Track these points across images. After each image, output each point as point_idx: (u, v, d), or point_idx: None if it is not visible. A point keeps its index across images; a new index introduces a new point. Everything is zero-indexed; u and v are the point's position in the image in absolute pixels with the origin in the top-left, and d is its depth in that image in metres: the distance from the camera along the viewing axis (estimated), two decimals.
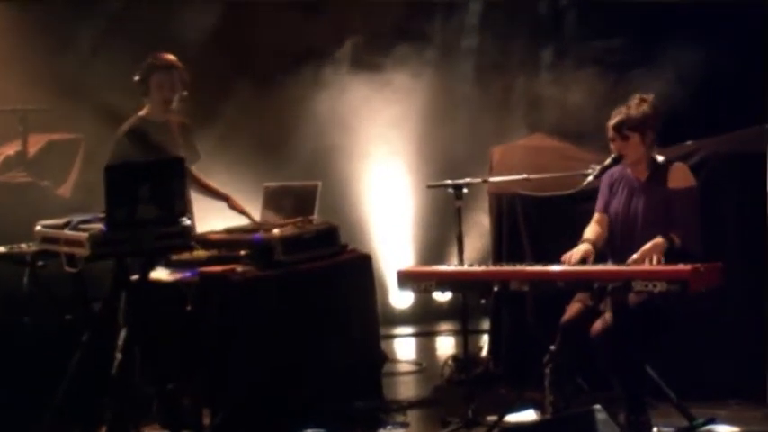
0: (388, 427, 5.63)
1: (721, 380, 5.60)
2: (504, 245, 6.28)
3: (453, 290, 5.89)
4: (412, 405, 6.06)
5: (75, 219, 4.81)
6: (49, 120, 7.17)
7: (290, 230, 5.65)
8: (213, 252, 5.51)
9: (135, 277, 4.90)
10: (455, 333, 8.06)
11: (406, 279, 5.23)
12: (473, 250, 7.53)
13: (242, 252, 5.50)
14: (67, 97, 7.38)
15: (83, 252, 4.65)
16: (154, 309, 5.00)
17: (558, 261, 5.02)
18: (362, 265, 5.96)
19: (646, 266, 4.77)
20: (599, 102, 6.94)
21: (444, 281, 5.20)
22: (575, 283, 4.92)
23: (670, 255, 4.85)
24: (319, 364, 5.56)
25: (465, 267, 5.32)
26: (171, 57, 5.80)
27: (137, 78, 5.78)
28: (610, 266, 4.96)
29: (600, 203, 5.26)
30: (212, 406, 5.30)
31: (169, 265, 5.38)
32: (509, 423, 5.35)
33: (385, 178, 8.51)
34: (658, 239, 4.88)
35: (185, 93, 5.84)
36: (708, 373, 5.60)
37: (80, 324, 5.12)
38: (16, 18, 7.48)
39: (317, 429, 5.36)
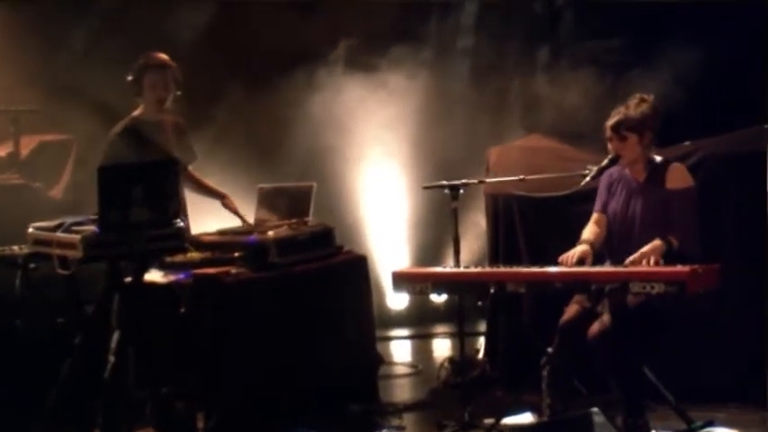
0: (384, 430, 5.64)
1: (720, 382, 5.60)
2: (501, 246, 6.29)
3: (449, 292, 5.88)
4: (408, 408, 6.05)
5: (68, 221, 4.81)
6: (40, 120, 7.16)
7: (284, 232, 5.65)
8: (207, 254, 5.50)
9: (128, 279, 4.89)
10: (451, 335, 8.07)
11: (401, 281, 5.22)
12: (469, 252, 7.54)
13: (236, 254, 5.50)
14: (59, 98, 7.37)
15: (75, 254, 4.64)
16: (147, 311, 4.99)
17: (555, 262, 5.02)
18: (358, 267, 5.96)
19: (643, 268, 4.76)
20: (596, 102, 6.94)
21: (440, 282, 5.20)
22: (572, 284, 4.92)
23: (668, 257, 4.85)
24: (314, 366, 5.56)
25: (461, 269, 5.31)
26: (164, 56, 5.79)
27: (130, 78, 5.77)
28: (607, 268, 4.97)
29: (598, 204, 5.26)
30: (206, 409, 5.29)
31: (163, 267, 5.37)
32: (506, 426, 5.35)
33: (380, 179, 8.51)
34: (656, 242, 4.88)
35: (179, 92, 5.83)
36: (706, 375, 5.60)
37: (73, 327, 5.11)
38: (7, 18, 7.47)
39: None
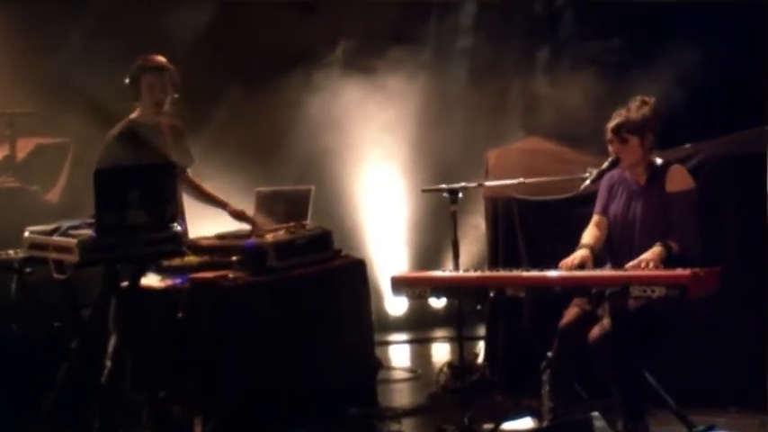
0: None
1: (721, 386, 5.60)
2: (501, 250, 6.29)
3: (448, 296, 5.89)
4: (407, 413, 6.06)
5: (64, 224, 4.82)
6: (37, 123, 7.17)
7: (282, 236, 5.67)
8: (204, 258, 5.52)
9: (125, 284, 4.90)
10: (450, 340, 8.07)
11: (400, 285, 5.23)
12: (468, 255, 7.54)
13: (234, 258, 5.51)
14: (55, 100, 7.37)
15: (72, 258, 4.65)
16: (144, 316, 5.01)
17: (555, 266, 5.03)
18: (356, 271, 5.97)
19: (644, 271, 4.77)
20: (596, 104, 6.95)
21: (439, 287, 5.21)
22: (572, 288, 4.93)
23: (668, 261, 4.86)
24: (312, 371, 5.57)
25: (460, 273, 5.32)
26: (161, 58, 5.80)
27: (127, 80, 5.78)
28: (608, 271, 4.98)
29: (599, 205, 5.27)
30: (204, 413, 5.30)
31: (160, 271, 5.38)
32: (506, 431, 5.35)
33: (379, 182, 8.52)
34: (656, 248, 4.88)
35: (176, 95, 5.84)
36: (707, 379, 5.61)
37: (69, 331, 5.13)
38: (1, 18, 7.47)
39: None
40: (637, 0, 7.62)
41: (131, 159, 5.54)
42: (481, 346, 6.74)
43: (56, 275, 4.80)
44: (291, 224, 5.80)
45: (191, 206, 6.03)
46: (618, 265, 5.00)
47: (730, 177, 5.73)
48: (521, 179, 5.72)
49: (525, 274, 5.03)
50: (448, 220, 5.60)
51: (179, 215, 5.16)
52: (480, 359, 6.56)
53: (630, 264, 4.86)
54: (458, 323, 5.79)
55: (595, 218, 5.26)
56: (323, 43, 8.35)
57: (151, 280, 5.31)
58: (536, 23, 8.37)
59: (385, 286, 7.18)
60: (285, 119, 8.28)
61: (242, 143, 8.07)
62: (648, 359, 5.03)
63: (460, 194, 5.58)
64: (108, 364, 4.76)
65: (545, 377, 5.08)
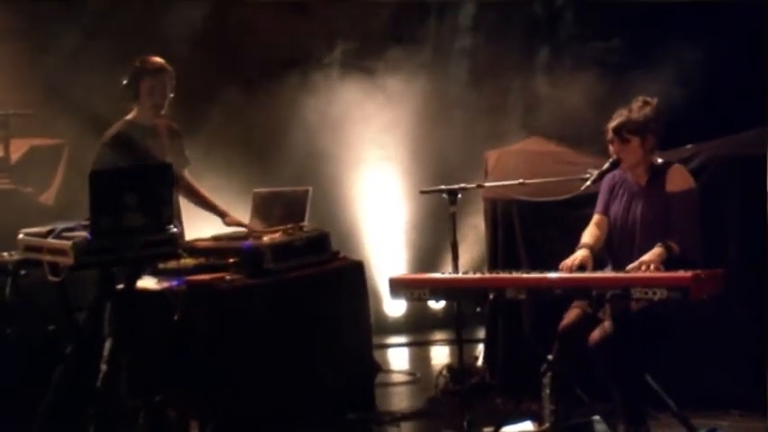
0: None
1: (723, 389, 5.60)
2: (500, 251, 6.29)
3: (448, 298, 5.88)
4: (405, 417, 6.06)
5: (59, 226, 4.80)
6: (31, 124, 7.16)
7: (279, 237, 5.66)
8: (201, 260, 5.51)
9: (120, 286, 4.89)
10: (450, 342, 8.08)
11: (398, 287, 5.22)
12: (468, 257, 7.54)
13: (230, 260, 5.50)
14: (50, 101, 7.37)
15: (67, 261, 4.64)
16: (140, 319, 5.00)
17: (555, 268, 5.02)
18: (354, 273, 5.96)
19: (645, 273, 4.77)
20: (596, 104, 6.95)
21: (438, 289, 5.20)
22: (572, 290, 4.92)
23: (669, 262, 4.85)
24: (310, 374, 5.56)
25: (460, 275, 5.31)
26: (160, 60, 5.79)
27: (125, 83, 5.76)
28: (608, 273, 4.97)
29: (600, 205, 5.26)
30: (200, 418, 5.29)
31: (156, 273, 5.38)
32: None
33: (378, 184, 8.52)
34: (656, 249, 4.87)
35: (172, 95, 5.83)
36: (709, 382, 5.60)
37: (64, 335, 5.12)
38: None
39: None
40: (636, 0, 7.62)
41: (127, 161, 5.54)
42: (481, 349, 6.73)
43: (50, 278, 4.79)
44: (289, 226, 5.79)
45: (187, 208, 6.02)
46: (619, 266, 5.00)
47: (732, 178, 5.73)
48: (520, 180, 5.71)
49: (525, 275, 5.02)
50: (447, 222, 5.58)
51: (175, 217, 5.15)
52: (480, 362, 6.55)
53: (631, 265, 4.86)
54: (457, 326, 5.79)
55: (596, 217, 5.25)
56: (321, 44, 8.36)
57: (147, 282, 5.30)
58: (536, 23, 8.37)
59: (383, 288, 7.18)
60: (283, 120, 8.28)
61: (239, 144, 8.07)
62: (650, 362, 5.02)
63: (460, 195, 5.57)
64: (103, 367, 4.77)
65: (545, 380, 5.08)
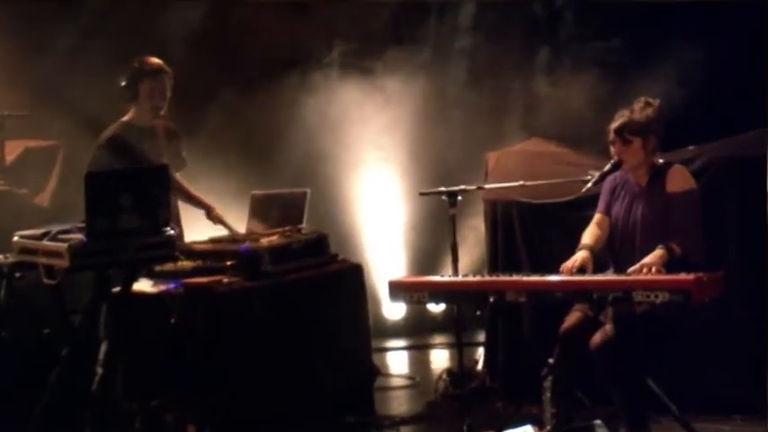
0: None
1: (725, 393, 5.59)
2: (500, 254, 6.28)
3: (447, 301, 5.86)
4: (405, 421, 6.05)
5: (54, 229, 4.80)
6: (26, 126, 7.16)
7: (277, 240, 5.65)
8: (198, 262, 5.50)
9: (116, 289, 4.89)
10: (449, 346, 8.07)
11: (398, 290, 5.22)
12: (468, 259, 7.53)
13: (228, 262, 5.49)
14: (45, 102, 7.36)
15: (62, 263, 4.64)
16: (136, 322, 4.99)
17: (556, 270, 5.02)
18: (353, 276, 5.95)
19: (647, 276, 4.76)
20: (597, 105, 6.95)
21: (438, 292, 5.19)
22: (573, 293, 4.92)
23: (671, 264, 4.85)
24: (308, 378, 5.55)
25: (459, 277, 5.31)
26: (159, 61, 5.78)
27: (123, 84, 5.74)
28: (610, 276, 4.96)
29: (601, 205, 5.25)
30: (197, 422, 5.28)
31: (152, 276, 5.37)
32: None
33: (376, 185, 8.52)
34: (658, 251, 4.86)
35: (169, 95, 5.83)
36: (711, 386, 5.59)
37: (59, 338, 5.11)
38: None
39: None
40: (636, 0, 7.62)
41: (123, 163, 5.53)
42: (481, 353, 6.72)
43: (46, 281, 4.79)
44: (287, 228, 5.78)
45: (186, 210, 6.02)
46: (620, 268, 4.99)
47: (734, 180, 5.73)
48: (521, 182, 5.71)
49: (526, 278, 5.02)
50: (446, 224, 5.58)
51: (173, 219, 5.15)
52: (480, 366, 6.54)
53: (633, 268, 4.85)
54: (457, 329, 5.78)
55: (597, 216, 5.24)
56: (320, 44, 8.36)
57: (144, 285, 5.29)
58: (536, 24, 8.37)
59: (382, 291, 7.20)
60: (281, 121, 8.28)
61: (237, 145, 8.07)
62: (651, 365, 5.02)
63: (459, 197, 5.56)
64: (99, 371, 4.75)
65: (546, 384, 5.06)
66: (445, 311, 8.43)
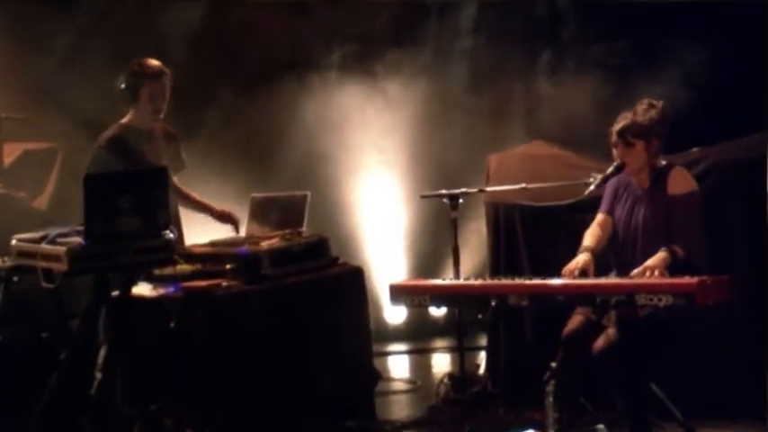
0: None
1: (729, 397, 5.59)
2: (502, 257, 6.28)
3: (449, 304, 5.88)
4: (406, 426, 6.05)
5: (53, 232, 4.81)
6: (24, 128, 7.16)
7: (277, 243, 5.65)
8: (198, 266, 5.50)
9: (115, 293, 4.89)
10: (451, 350, 8.06)
11: (399, 293, 5.22)
12: (469, 263, 7.54)
13: (228, 266, 5.50)
14: (43, 104, 7.36)
15: (61, 267, 4.64)
16: (135, 326, 5.00)
17: (558, 273, 5.02)
18: (354, 279, 5.96)
19: (650, 279, 4.76)
20: (599, 107, 6.95)
21: (439, 295, 5.20)
22: (576, 296, 4.92)
23: (674, 267, 4.85)
24: (309, 382, 5.56)
25: (461, 281, 5.31)
26: (158, 63, 5.78)
27: (123, 86, 5.75)
28: (613, 279, 4.97)
29: (604, 206, 5.25)
30: (197, 427, 5.28)
31: (151, 279, 5.37)
32: None
33: (377, 188, 8.52)
34: (661, 254, 4.87)
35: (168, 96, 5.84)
36: (716, 390, 5.59)
37: (58, 342, 5.11)
38: None
39: None
40: (639, 1, 7.62)
41: (123, 164, 5.54)
42: (483, 357, 6.72)
43: (44, 284, 4.79)
44: (287, 231, 5.78)
45: (186, 212, 6.02)
46: (623, 271, 4.99)
47: (737, 182, 5.73)
48: (523, 184, 5.71)
49: (528, 282, 5.02)
50: (448, 227, 5.59)
51: (173, 222, 5.15)
52: (482, 370, 6.53)
53: (635, 271, 4.85)
54: (458, 333, 5.78)
55: (600, 216, 5.24)
56: (320, 46, 8.36)
57: (143, 289, 5.29)
58: (538, 25, 8.37)
59: (383, 295, 7.19)
60: (282, 123, 8.28)
61: (237, 147, 8.07)
62: (655, 369, 5.02)
63: (461, 200, 5.57)
64: (98, 375, 4.75)
65: (549, 388, 5.06)
66: (447, 315, 8.43)
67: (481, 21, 8.46)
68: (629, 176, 5.20)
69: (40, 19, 7.69)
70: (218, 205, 6.11)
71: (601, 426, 5.03)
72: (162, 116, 5.81)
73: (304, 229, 5.84)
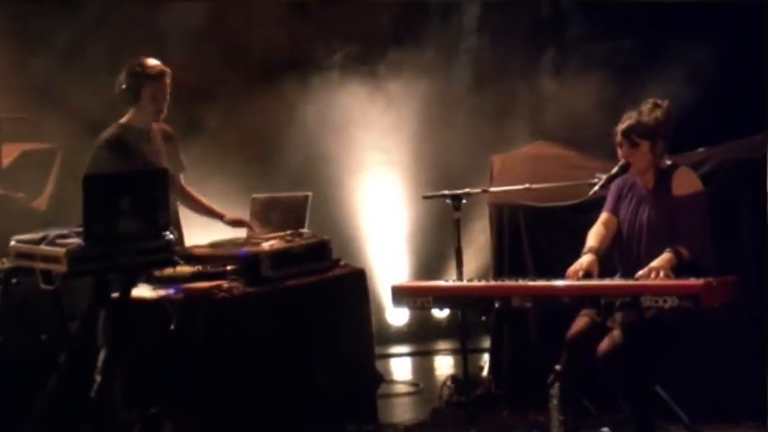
0: None
1: (735, 400, 5.58)
2: (506, 258, 6.28)
3: (452, 306, 5.88)
4: (408, 429, 6.05)
5: (52, 233, 4.80)
6: (23, 128, 7.16)
7: (278, 244, 5.65)
8: (198, 267, 5.50)
9: (115, 295, 4.88)
10: (454, 352, 8.05)
11: (401, 295, 5.22)
12: (473, 264, 7.53)
13: (228, 267, 5.49)
14: (42, 104, 7.37)
15: (60, 268, 4.64)
16: (135, 328, 4.99)
17: (562, 275, 5.02)
18: (356, 281, 5.95)
19: (655, 281, 4.75)
20: (604, 106, 6.95)
21: (442, 297, 5.20)
22: (580, 298, 4.91)
23: (679, 268, 4.84)
24: (310, 384, 5.55)
25: (464, 282, 5.31)
26: (159, 63, 5.78)
27: (124, 87, 5.74)
28: (617, 281, 4.96)
29: (609, 204, 5.25)
30: (197, 429, 5.28)
31: (151, 281, 5.37)
32: None
33: (379, 189, 8.52)
34: (666, 255, 4.86)
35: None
36: (721, 392, 5.58)
37: (57, 344, 5.11)
38: None
39: None
40: (642, 0, 7.62)
41: (123, 164, 5.53)
42: (486, 359, 6.71)
43: (43, 286, 4.78)
44: (288, 232, 5.78)
45: (185, 213, 6.02)
46: (627, 272, 4.99)
47: (743, 183, 5.72)
48: (527, 185, 5.71)
49: (531, 283, 5.02)
50: (451, 228, 5.58)
51: (173, 223, 5.15)
52: (485, 372, 6.53)
53: (640, 273, 4.84)
54: (461, 335, 5.78)
55: (604, 215, 5.23)
56: (322, 45, 8.36)
57: (142, 291, 5.29)
58: (541, 24, 8.37)
59: (386, 296, 7.18)
60: (283, 123, 8.28)
61: (238, 148, 8.07)
62: (660, 371, 5.01)
63: (464, 201, 5.56)
64: (97, 378, 4.74)
65: (553, 391, 5.05)
66: (450, 317, 8.43)
67: (484, 20, 8.47)
68: (633, 176, 5.19)
69: (38, 19, 7.70)
70: (218, 206, 6.11)
71: (605, 429, 5.02)
72: (163, 116, 5.80)
73: (305, 230, 5.84)
